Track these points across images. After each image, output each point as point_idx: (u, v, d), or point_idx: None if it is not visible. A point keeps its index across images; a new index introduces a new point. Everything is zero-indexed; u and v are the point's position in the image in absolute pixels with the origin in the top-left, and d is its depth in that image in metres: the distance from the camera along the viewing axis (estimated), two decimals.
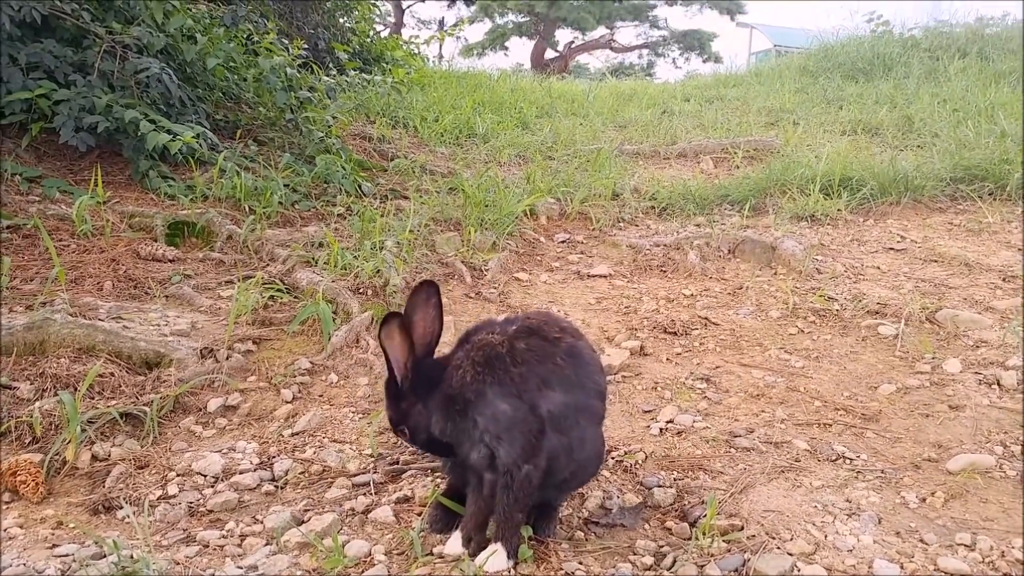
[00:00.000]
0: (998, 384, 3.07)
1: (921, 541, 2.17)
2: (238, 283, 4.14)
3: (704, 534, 2.16)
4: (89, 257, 4.25)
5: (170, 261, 4.48)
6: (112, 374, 3.19)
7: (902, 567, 2.04)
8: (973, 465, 2.54)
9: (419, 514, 2.35)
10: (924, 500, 2.40)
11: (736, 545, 2.13)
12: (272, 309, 3.83)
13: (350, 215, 5.17)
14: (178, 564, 2.15)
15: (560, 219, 5.31)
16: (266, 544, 2.23)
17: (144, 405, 2.98)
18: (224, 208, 4.92)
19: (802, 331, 3.68)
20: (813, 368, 3.31)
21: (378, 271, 3.98)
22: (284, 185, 5.28)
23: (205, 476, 2.65)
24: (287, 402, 3.17)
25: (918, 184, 5.24)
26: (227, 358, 3.38)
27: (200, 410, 3.08)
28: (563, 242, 4.97)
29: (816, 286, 4.09)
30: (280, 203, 5.10)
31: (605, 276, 4.42)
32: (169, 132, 5.03)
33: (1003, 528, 2.25)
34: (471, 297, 4.10)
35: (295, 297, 3.98)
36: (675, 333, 3.70)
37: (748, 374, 3.29)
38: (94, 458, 2.74)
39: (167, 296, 4.02)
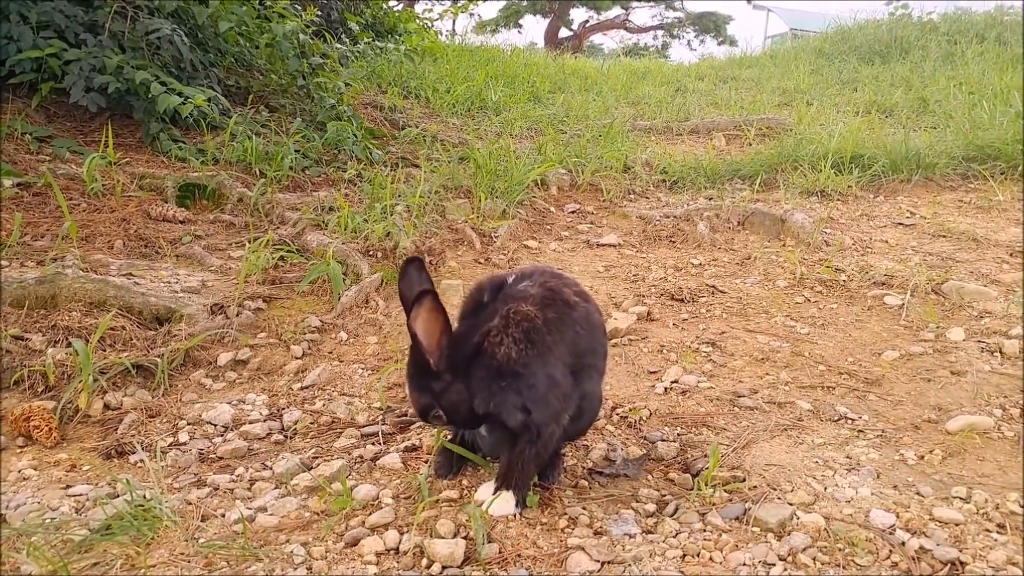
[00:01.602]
0: (1000, 352, 3.09)
1: (918, 494, 2.20)
2: (249, 244, 4.19)
3: (706, 484, 2.19)
4: (100, 216, 4.29)
5: (180, 222, 4.52)
6: (123, 327, 3.24)
7: (898, 516, 2.07)
8: (972, 426, 2.57)
9: (426, 461, 2.39)
10: (922, 457, 2.42)
11: (737, 495, 2.16)
12: (282, 269, 3.87)
13: (360, 181, 5.20)
14: (190, 504, 2.20)
15: (571, 190, 5.32)
16: (275, 487, 2.28)
17: (156, 357, 3.03)
18: (235, 171, 4.94)
19: (808, 300, 3.69)
20: (818, 335, 3.34)
21: (388, 234, 4.01)
22: (295, 151, 5.31)
23: (215, 425, 2.69)
24: (297, 358, 3.21)
25: (930, 162, 5.23)
26: (237, 314, 3.42)
27: (211, 364, 3.13)
28: (573, 212, 4.98)
29: (824, 258, 4.10)
30: (291, 168, 5.12)
31: (614, 245, 4.44)
32: (180, 95, 5.06)
33: (999, 484, 2.27)
34: (480, 263, 4.13)
35: (305, 258, 4.02)
36: (682, 300, 3.72)
37: (754, 339, 3.31)
38: (106, 407, 2.80)
39: (178, 255, 4.06)
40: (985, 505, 2.13)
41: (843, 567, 1.88)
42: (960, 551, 1.92)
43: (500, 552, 1.94)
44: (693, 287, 3.85)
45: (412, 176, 5.33)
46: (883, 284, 3.74)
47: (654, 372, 3.05)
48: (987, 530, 2.02)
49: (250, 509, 2.15)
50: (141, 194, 4.58)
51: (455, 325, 2.16)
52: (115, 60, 5.00)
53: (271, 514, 2.13)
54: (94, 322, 3.23)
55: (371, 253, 3.95)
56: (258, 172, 4.96)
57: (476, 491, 2.19)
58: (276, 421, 2.74)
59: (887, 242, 4.30)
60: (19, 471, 2.40)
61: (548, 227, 4.70)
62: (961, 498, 2.18)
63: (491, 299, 2.20)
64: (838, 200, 4.98)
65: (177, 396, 2.91)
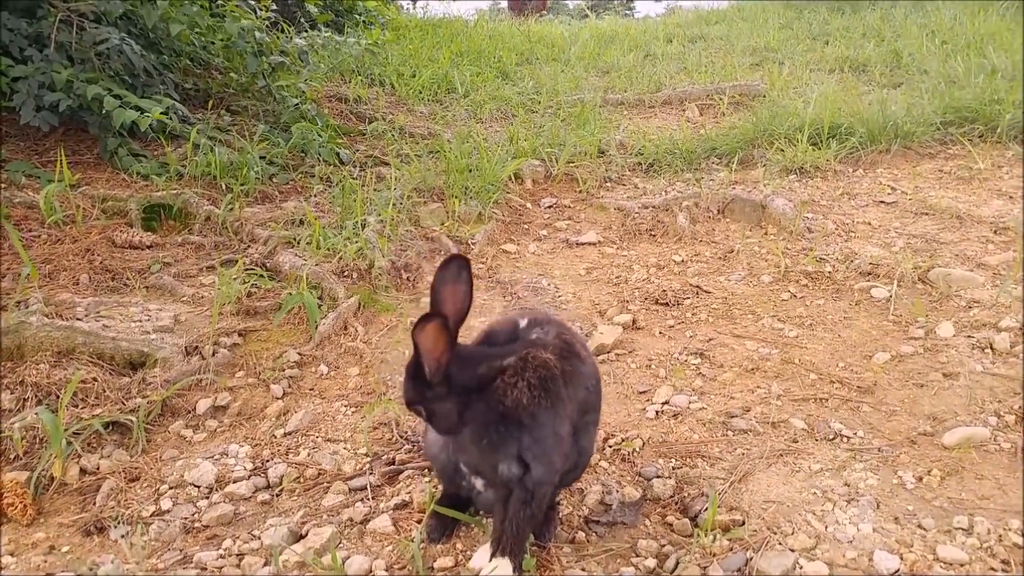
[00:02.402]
0: (991, 347, 3.05)
1: (919, 527, 2.17)
2: (219, 269, 4.06)
3: (705, 533, 2.15)
4: (62, 248, 4.14)
5: (148, 247, 4.38)
6: (95, 379, 3.12)
7: (902, 558, 2.04)
8: (968, 439, 2.54)
9: (418, 521, 2.33)
10: (921, 479, 2.39)
11: (738, 543, 2.12)
12: (255, 297, 3.75)
13: (330, 187, 5.06)
14: None
15: (546, 182, 5.20)
16: (265, 564, 2.21)
17: (131, 412, 2.93)
18: (200, 187, 4.78)
19: (795, 296, 3.64)
20: (807, 337, 3.28)
21: (361, 251, 3.89)
22: (260, 157, 5.14)
23: (199, 487, 2.61)
24: (277, 398, 3.12)
25: (908, 130, 5.15)
26: (213, 354, 3.32)
27: (189, 412, 3.03)
28: (550, 207, 4.88)
29: (807, 246, 4.04)
30: (257, 177, 4.97)
31: (594, 244, 4.35)
32: (137, 108, 4.86)
33: (999, 506, 2.25)
34: None
35: (278, 282, 3.90)
36: (667, 304, 3.65)
37: (742, 346, 3.26)
38: (83, 471, 2.70)
39: (147, 287, 3.93)
40: (988, 537, 2.11)
41: None
42: None
43: None
44: (677, 288, 3.78)
45: (382, 177, 5.19)
46: (869, 274, 3.69)
47: (644, 392, 2.99)
48: (992, 568, 1.99)
49: None
50: (104, 220, 4.42)
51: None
52: (64, 75, 4.78)
53: None
54: (63, 374, 3.12)
55: (346, 274, 3.84)
56: (224, 187, 4.80)
57: (471, 557, 2.13)
58: (261, 477, 2.66)
59: (870, 224, 4.24)
60: None
61: (525, 227, 4.60)
62: (963, 529, 2.15)
63: (506, 340, 2.11)
64: (818, 178, 4.90)
65: (156, 453, 2.82)
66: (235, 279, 3.75)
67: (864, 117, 5.21)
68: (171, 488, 2.61)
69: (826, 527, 2.18)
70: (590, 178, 5.13)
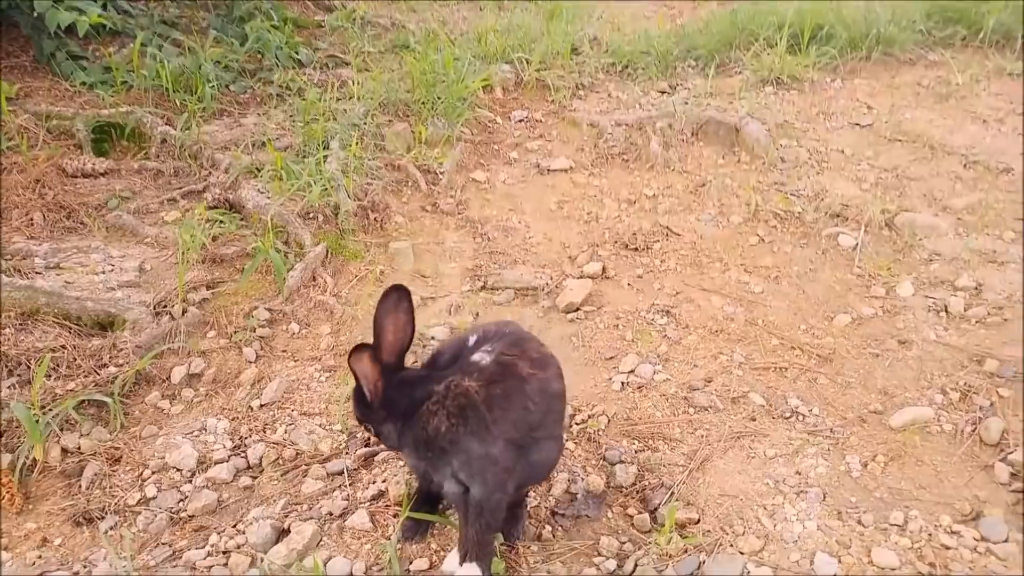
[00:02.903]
0: (946, 310, 3.15)
1: (859, 523, 2.34)
2: (181, 206, 3.97)
3: (663, 535, 2.29)
4: (9, 179, 3.97)
5: (102, 175, 4.23)
6: (63, 347, 3.12)
7: (840, 560, 2.22)
8: (913, 420, 2.68)
9: (395, 515, 2.45)
10: (866, 465, 2.55)
11: (692, 544, 2.27)
12: (220, 242, 3.70)
13: (290, 95, 4.85)
14: None
15: (516, 90, 5.02)
16: (251, 565, 2.34)
17: (105, 384, 2.96)
18: (151, 102, 4.56)
19: (763, 240, 3.67)
20: (772, 292, 3.35)
21: (326, 191, 3.80)
22: (215, 63, 4.87)
23: (181, 471, 2.70)
24: (251, 362, 3.16)
25: (890, 36, 4.98)
26: (183, 313, 3.32)
27: (164, 380, 3.07)
28: (521, 121, 4.74)
29: (779, 180, 4.02)
30: (211, 86, 4.73)
31: (565, 170, 4.28)
32: (72, 7, 4.51)
33: (934, 497, 2.42)
34: (428, 211, 3.98)
35: (243, 223, 3.83)
36: (636, 249, 3.67)
37: (708, 303, 3.32)
38: (64, 451, 2.77)
39: (107, 227, 3.84)
40: (919, 536, 2.28)
41: None
42: None
43: None
44: (647, 229, 3.78)
45: (345, 82, 4.97)
46: (838, 216, 3.71)
47: (611, 358, 3.08)
48: (919, 572, 2.17)
49: None
50: (51, 148, 4.22)
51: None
52: None
53: None
54: (30, 340, 3.12)
55: (311, 215, 3.77)
56: (177, 102, 4.58)
57: (444, 559, 2.28)
58: (241, 457, 2.75)
59: (843, 152, 4.21)
60: None
61: (496, 148, 4.49)
62: (898, 526, 2.32)
63: (450, 361, 2.19)
64: (795, 91, 4.78)
65: (135, 430, 2.88)
66: (199, 225, 3.68)
67: (848, 21, 5.02)
68: (154, 473, 2.70)
69: (775, 525, 2.34)
70: (562, 86, 4.96)
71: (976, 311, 3.11)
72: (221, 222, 3.73)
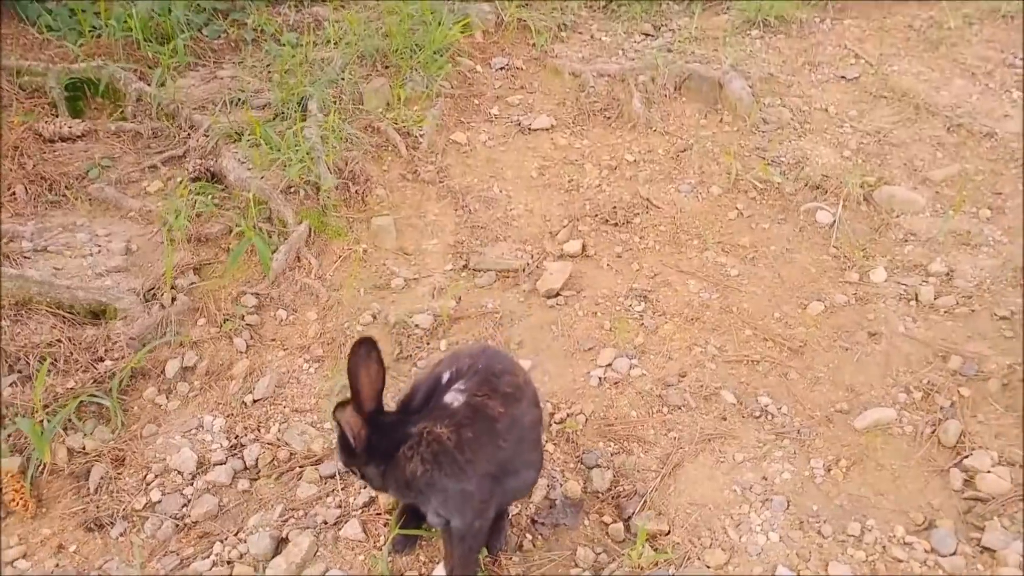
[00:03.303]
0: (916, 299, 3.25)
1: (819, 534, 2.52)
2: (163, 185, 3.93)
3: (634, 549, 2.48)
4: None
5: (79, 138, 4.17)
6: (59, 340, 3.21)
7: (799, 574, 2.42)
8: (876, 423, 2.83)
9: (385, 524, 2.62)
10: (829, 470, 2.72)
11: (662, 559, 2.46)
12: (204, 219, 3.70)
13: (265, 39, 4.70)
14: None
15: (496, 32, 4.86)
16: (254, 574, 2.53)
17: (104, 379, 3.06)
18: (123, 53, 4.42)
19: (741, 214, 3.70)
20: (748, 276, 3.43)
21: (305, 165, 3.76)
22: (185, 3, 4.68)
23: (182, 473, 2.85)
24: (241, 353, 3.25)
25: None
26: (172, 301, 3.37)
27: (159, 374, 3.17)
28: (501, 69, 4.63)
29: (761, 144, 4.01)
30: (183, 32, 4.57)
31: (547, 129, 4.23)
32: None
33: (891, 505, 2.60)
34: (408, 179, 3.96)
35: (224, 193, 3.81)
36: (616, 224, 3.70)
37: (685, 287, 3.40)
38: (70, 452, 2.90)
39: (90, 200, 3.82)
40: (874, 549, 2.47)
41: None
42: None
43: None
44: (627, 201, 3.80)
45: (320, 23, 4.81)
46: (817, 188, 3.74)
47: (589, 349, 3.18)
48: None
49: None
50: (26, 115, 4.12)
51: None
52: None
53: None
54: (25, 332, 3.20)
55: (293, 190, 3.76)
56: (150, 55, 4.43)
57: (432, 572, 2.47)
58: (238, 458, 2.89)
59: (827, 111, 4.17)
60: (11, 562, 2.59)
61: (477, 103, 4.41)
62: (855, 537, 2.51)
63: (422, 402, 2.30)
64: (782, 34, 4.66)
65: (136, 429, 3.00)
66: (181, 199, 3.67)
67: None
68: (157, 476, 2.84)
69: (740, 536, 2.53)
70: (544, 27, 4.81)
71: (945, 300, 3.21)
72: (204, 185, 3.71)
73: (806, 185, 3.76)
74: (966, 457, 2.71)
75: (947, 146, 3.93)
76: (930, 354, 3.05)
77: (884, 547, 2.48)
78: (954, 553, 2.45)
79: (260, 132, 3.88)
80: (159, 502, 2.76)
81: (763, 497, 2.64)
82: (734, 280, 3.42)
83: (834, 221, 3.58)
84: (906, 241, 3.50)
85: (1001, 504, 2.56)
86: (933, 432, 2.81)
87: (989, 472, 2.66)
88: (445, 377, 2.30)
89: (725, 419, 2.90)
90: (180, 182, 3.90)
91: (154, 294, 3.41)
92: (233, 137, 4.05)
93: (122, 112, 4.28)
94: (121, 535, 2.67)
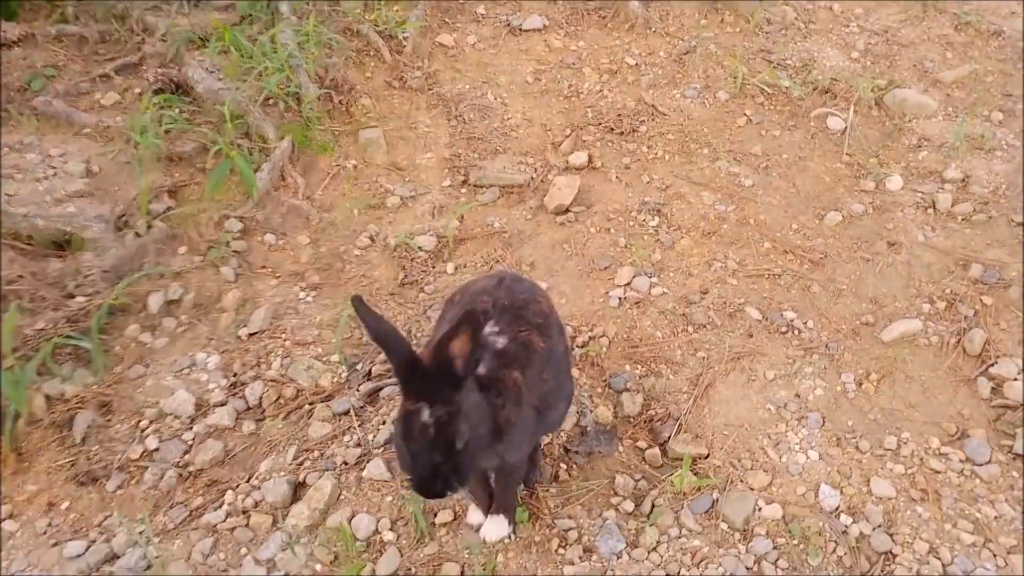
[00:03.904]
0: (933, 207, 3.16)
1: (857, 449, 2.48)
2: (120, 97, 3.54)
3: (677, 477, 2.38)
4: None
5: (16, 44, 3.72)
6: (20, 276, 2.90)
7: (842, 492, 2.37)
8: (903, 335, 2.77)
9: None
10: (860, 384, 2.66)
11: (705, 484, 2.38)
12: (174, 135, 3.36)
13: None
14: (200, 567, 2.26)
15: None
16: (273, 525, 2.36)
17: (79, 317, 2.79)
18: None
19: (750, 120, 3.53)
20: (762, 186, 3.28)
21: (283, 72, 3.43)
22: None
23: (179, 417, 2.64)
24: (230, 282, 3.01)
25: None
26: (148, 229, 3.08)
27: (141, 310, 2.91)
28: None
29: (765, 47, 3.80)
30: None
31: (539, 30, 3.94)
32: None
33: (923, 417, 2.57)
34: (395, 87, 3.66)
35: (193, 106, 3.46)
36: (622, 133, 3.50)
37: (699, 199, 3.25)
38: (49, 399, 2.65)
39: (36, 115, 3.42)
40: (912, 461, 2.44)
41: (797, 570, 2.21)
42: (892, 537, 2.26)
43: None
44: (632, 108, 3.59)
45: None
46: (827, 93, 3.58)
47: (606, 268, 3.03)
48: (912, 499, 2.35)
49: (261, 566, 2.26)
50: None
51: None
52: None
53: (284, 573, 2.25)
54: None
55: (272, 102, 3.43)
56: None
57: (468, 512, 2.34)
58: (240, 399, 2.69)
59: (832, 10, 3.97)
60: None
61: (462, 2, 4.07)
62: (892, 451, 2.47)
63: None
64: None
65: (120, 371, 2.77)
66: (146, 113, 3.31)
67: None
68: (152, 422, 2.62)
69: (780, 456, 2.46)
70: None
71: (962, 208, 3.14)
72: (170, 110, 3.37)
73: (815, 89, 3.60)
74: (992, 365, 2.69)
75: (956, 45, 3.80)
76: (951, 263, 2.99)
77: (921, 459, 2.45)
78: (989, 462, 2.44)
79: (229, 37, 3.51)
80: (157, 450, 2.56)
81: (798, 415, 2.58)
82: (749, 191, 3.27)
83: (846, 127, 3.44)
84: (919, 147, 3.39)
85: None
86: (958, 342, 2.76)
87: (1016, 380, 2.64)
88: (487, 314, 2.07)
89: (752, 336, 2.81)
90: (140, 94, 3.53)
91: (126, 221, 3.11)
92: (196, 43, 3.66)
93: (62, 13, 3.83)
94: (119, 488, 2.48)
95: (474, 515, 2.33)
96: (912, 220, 3.13)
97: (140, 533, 2.32)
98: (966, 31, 3.86)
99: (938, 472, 2.42)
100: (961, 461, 2.46)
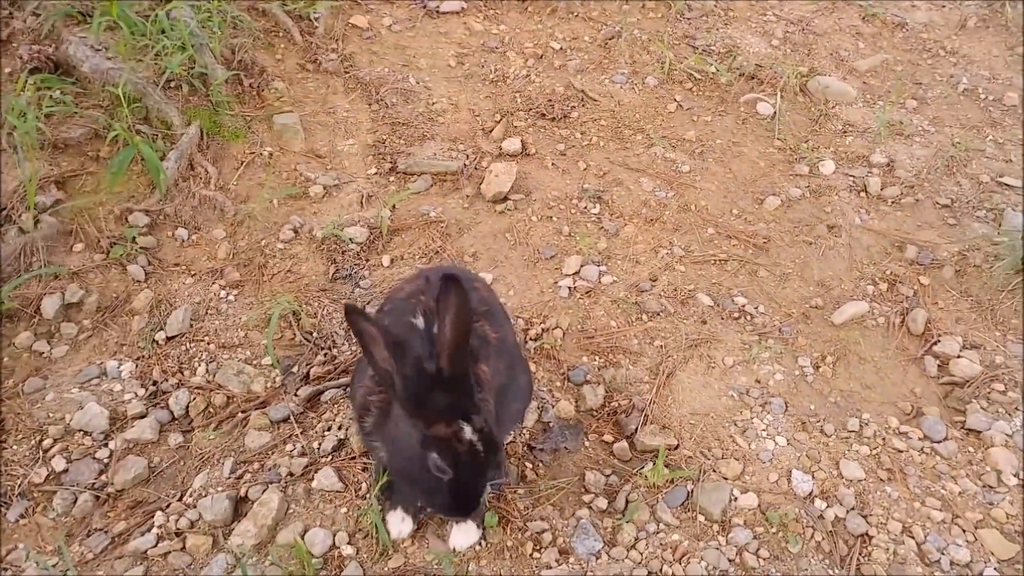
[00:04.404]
0: (865, 191, 3.21)
1: (822, 432, 2.45)
2: None
3: (647, 467, 2.28)
4: None
5: None
6: None
7: (813, 476, 2.33)
8: (852, 317, 2.79)
9: (363, 468, 2.26)
10: (817, 368, 2.64)
11: (679, 475, 2.28)
12: (58, 121, 2.97)
13: None
14: None
15: None
16: (214, 547, 2.09)
17: None
18: None
19: (680, 107, 3.49)
20: (699, 172, 3.24)
21: (184, 48, 3.11)
22: None
23: (90, 434, 2.31)
24: (139, 282, 2.69)
25: None
26: (36, 224, 2.70)
27: (33, 315, 2.55)
28: None
29: (689, 32, 3.79)
30: None
31: (457, 13, 3.77)
32: None
33: (880, 398, 2.57)
34: (308, 70, 3.40)
35: (79, 88, 3.08)
36: (554, 119, 3.38)
37: (638, 186, 3.17)
38: None
39: None
40: (876, 441, 2.43)
41: (779, 559, 2.15)
42: (866, 518, 2.23)
43: None
44: (561, 92, 3.48)
45: None
46: (753, 79, 3.59)
47: (551, 257, 2.90)
48: (881, 480, 2.33)
49: None
50: None
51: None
52: None
53: None
54: None
55: (174, 85, 3.10)
56: None
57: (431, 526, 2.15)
58: (162, 409, 2.39)
59: None
60: None
61: None
62: (856, 432, 2.45)
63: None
64: None
65: (13, 385, 2.40)
66: (22, 93, 2.92)
67: None
68: (56, 441, 2.29)
69: (749, 444, 2.40)
70: None
71: (891, 191, 3.20)
72: (48, 77, 2.97)
73: (741, 75, 3.61)
74: (935, 344, 2.73)
75: (866, 36, 3.91)
76: (888, 244, 3.04)
77: (884, 439, 2.45)
78: (946, 438, 2.46)
79: (116, 12, 3.15)
80: (66, 471, 2.24)
81: (761, 401, 2.53)
82: (687, 176, 3.23)
83: (775, 112, 3.46)
84: (845, 132, 3.45)
85: (976, 387, 2.60)
86: (902, 322, 2.80)
87: (960, 357, 2.69)
88: (420, 323, 1.86)
89: (705, 323, 2.74)
90: (12, 73, 3.12)
91: (9, 216, 2.72)
92: (76, 18, 3.27)
93: None
94: (22, 517, 2.14)
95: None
96: (848, 203, 3.17)
97: (53, 566, 1.99)
98: (873, 22, 3.98)
99: (901, 451, 2.42)
100: (920, 439, 2.46)
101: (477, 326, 1.89)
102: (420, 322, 1.83)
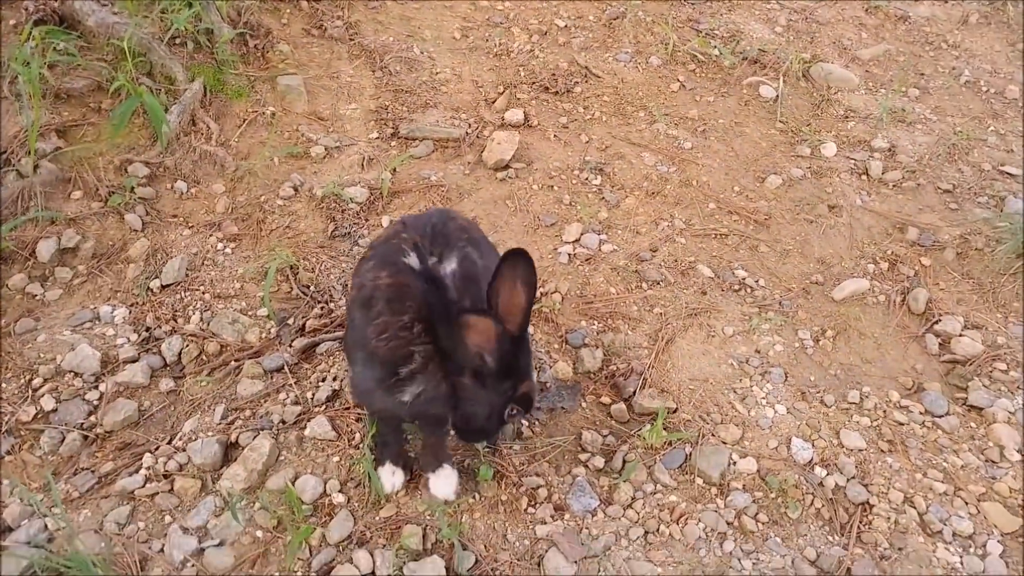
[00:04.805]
0: (867, 174, 3.21)
1: (822, 403, 2.43)
2: None
3: (647, 428, 2.26)
4: None
5: None
6: None
7: (813, 444, 2.31)
8: (853, 293, 2.77)
9: (357, 419, 2.22)
10: (817, 341, 2.62)
11: (677, 437, 2.26)
12: (61, 72, 2.95)
13: None
14: (115, 538, 1.93)
15: None
16: (203, 490, 2.05)
17: None
18: None
19: (684, 87, 3.49)
20: (701, 149, 3.24)
21: (192, 7, 3.09)
22: None
23: (81, 375, 2.27)
24: (136, 231, 2.66)
25: None
26: (35, 170, 2.67)
27: (28, 258, 2.51)
28: None
29: (693, 16, 3.79)
30: None
31: None
32: None
33: (880, 372, 2.56)
34: (314, 35, 3.38)
35: (83, 42, 3.06)
36: (557, 93, 3.37)
37: (640, 160, 3.16)
38: None
39: None
40: (876, 414, 2.41)
41: (778, 523, 2.12)
42: (867, 487, 2.21)
43: (478, 563, 1.97)
44: (564, 68, 3.47)
45: None
46: (756, 63, 3.59)
47: (552, 224, 2.88)
48: (882, 451, 2.31)
49: (190, 534, 1.95)
50: None
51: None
52: None
53: (220, 543, 1.95)
54: None
55: (179, 42, 3.08)
56: None
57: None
58: (154, 353, 2.35)
59: None
60: None
61: None
62: (856, 404, 2.43)
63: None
64: None
65: (7, 325, 2.37)
66: (27, 42, 2.89)
67: None
68: (47, 380, 2.25)
69: (748, 411, 2.37)
70: None
71: (892, 175, 3.20)
72: (53, 31, 2.94)
73: (744, 59, 3.61)
74: (936, 323, 2.72)
75: (868, 27, 3.92)
76: (889, 226, 3.03)
77: (884, 412, 2.43)
78: (947, 413, 2.44)
79: None
80: (55, 411, 2.20)
81: (761, 370, 2.51)
82: (689, 153, 3.22)
83: (777, 96, 3.46)
84: (847, 117, 3.45)
85: (977, 365, 2.59)
86: (903, 300, 2.79)
87: (962, 336, 2.68)
88: (414, 260, 1.81)
89: (705, 293, 2.73)
90: (16, 25, 3.09)
91: (8, 160, 2.68)
92: None
93: None
94: (8, 453, 2.10)
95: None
96: (849, 185, 3.16)
97: (41, 500, 1.95)
98: (876, 14, 4.00)
99: (902, 424, 2.40)
100: (921, 413, 2.45)
101: (465, 251, 1.86)
102: (414, 259, 1.79)
